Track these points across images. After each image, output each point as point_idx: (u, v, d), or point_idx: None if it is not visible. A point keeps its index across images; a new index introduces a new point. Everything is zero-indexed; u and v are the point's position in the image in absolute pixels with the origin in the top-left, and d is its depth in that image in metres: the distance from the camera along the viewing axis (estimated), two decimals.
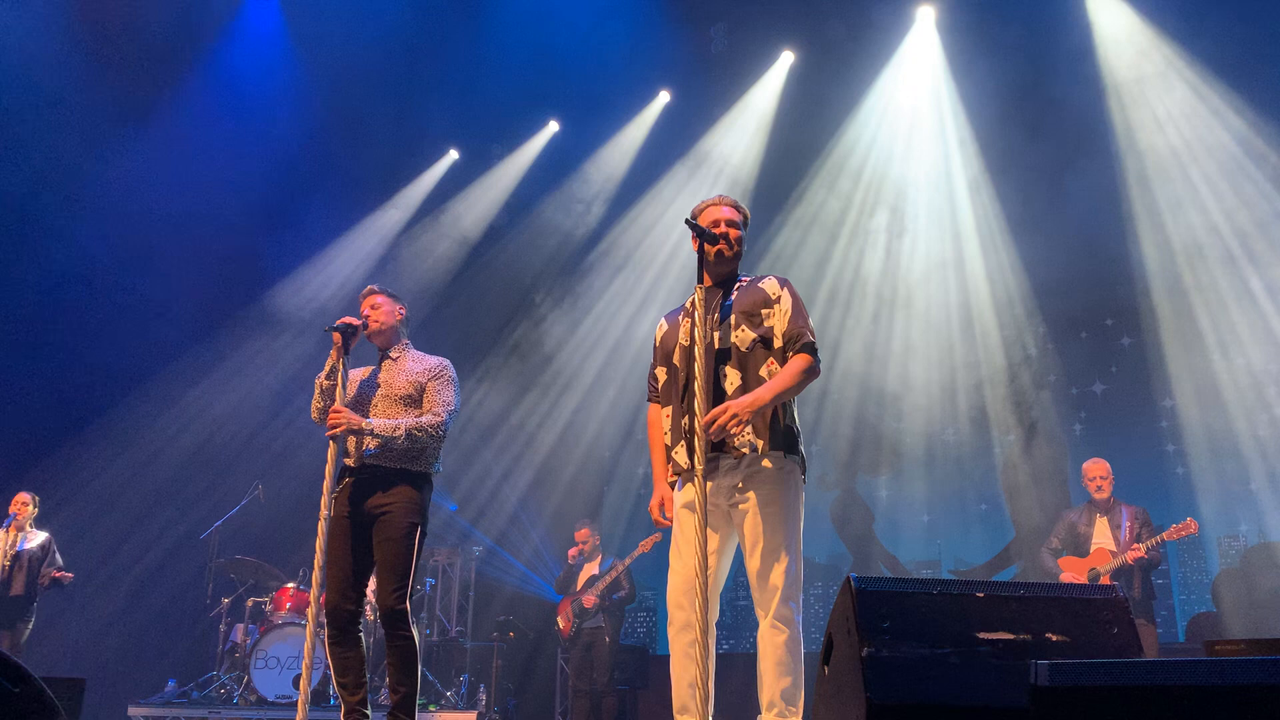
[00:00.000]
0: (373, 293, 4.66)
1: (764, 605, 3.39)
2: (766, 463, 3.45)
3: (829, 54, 9.57)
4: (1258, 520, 7.52)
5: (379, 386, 4.49)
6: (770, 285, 3.67)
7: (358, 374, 4.64)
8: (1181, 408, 8.00)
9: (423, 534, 4.37)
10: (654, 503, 3.70)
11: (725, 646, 7.90)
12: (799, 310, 3.62)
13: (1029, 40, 8.25)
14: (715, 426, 3.31)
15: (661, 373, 3.77)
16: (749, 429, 3.45)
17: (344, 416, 4.26)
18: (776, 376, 3.50)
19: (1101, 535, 6.59)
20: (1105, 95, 8.44)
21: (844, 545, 9.43)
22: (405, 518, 4.28)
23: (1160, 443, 8.10)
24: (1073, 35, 8.44)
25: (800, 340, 3.55)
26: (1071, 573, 6.59)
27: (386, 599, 4.21)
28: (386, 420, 4.32)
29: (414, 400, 4.45)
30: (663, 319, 3.87)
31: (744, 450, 3.45)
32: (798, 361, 3.53)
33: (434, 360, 4.59)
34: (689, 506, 3.53)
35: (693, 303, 3.71)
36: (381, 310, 4.59)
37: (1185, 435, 7.93)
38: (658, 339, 3.84)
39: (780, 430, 3.49)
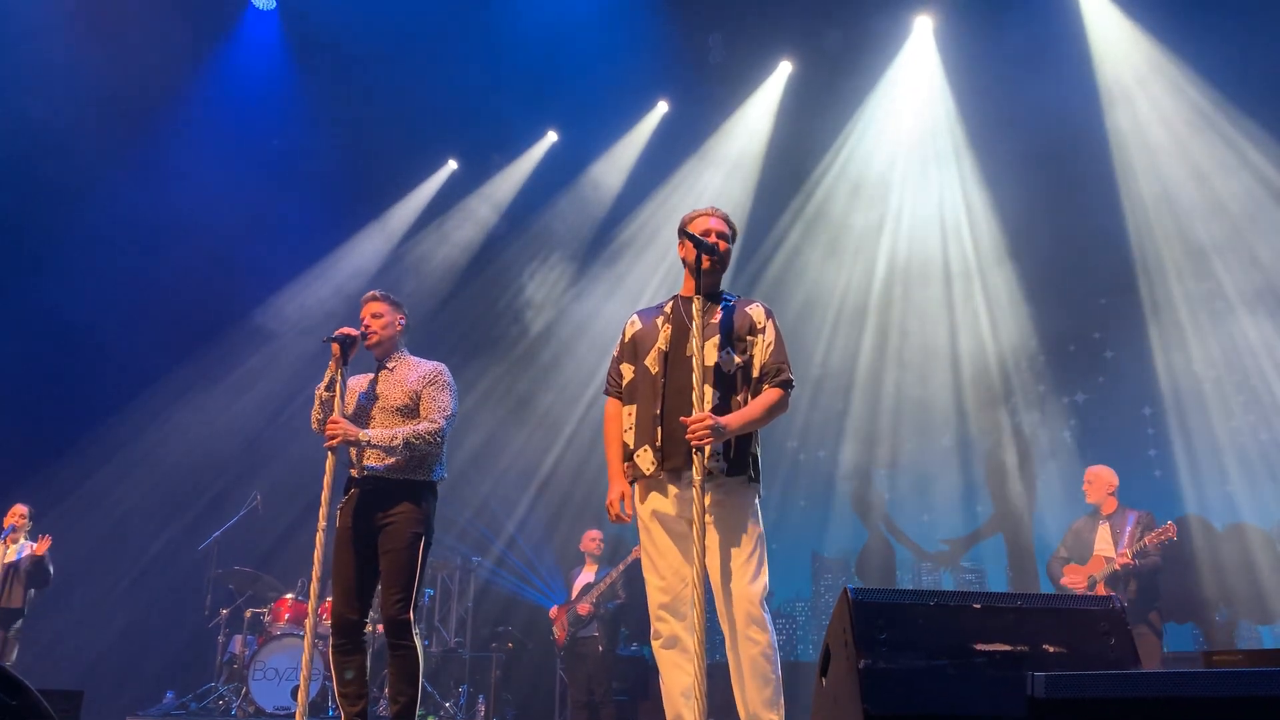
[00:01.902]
0: (374, 299, 4.63)
1: (734, 613, 3.38)
2: (734, 486, 3.48)
3: (827, 64, 9.59)
4: (1235, 518, 7.57)
5: (376, 398, 4.47)
6: (757, 313, 3.69)
7: (356, 384, 4.62)
8: (1161, 415, 8.12)
9: (427, 544, 4.36)
10: (613, 497, 3.65)
11: (715, 657, 7.95)
12: (780, 345, 3.66)
13: (1026, 50, 8.27)
14: (692, 432, 3.32)
15: (628, 370, 3.76)
16: (719, 448, 3.45)
17: (341, 428, 4.25)
18: (748, 407, 3.53)
19: (1103, 542, 6.55)
20: (1101, 107, 8.46)
21: (863, 526, 9.55)
22: (409, 528, 4.28)
23: (1143, 448, 8.15)
24: (1070, 45, 8.46)
25: (779, 375, 3.59)
26: (1072, 579, 6.58)
27: (390, 609, 4.21)
28: (383, 430, 4.31)
29: (410, 411, 4.43)
30: (635, 315, 3.86)
31: (713, 472, 3.44)
32: (771, 395, 3.56)
33: (429, 366, 4.56)
34: (660, 517, 3.53)
35: (674, 308, 3.74)
36: (382, 320, 4.57)
37: (1165, 440, 8.02)
38: (628, 334, 3.83)
39: (747, 458, 3.52)
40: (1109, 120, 8.47)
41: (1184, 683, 1.81)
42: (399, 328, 4.62)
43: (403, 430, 4.30)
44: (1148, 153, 8.32)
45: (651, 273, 10.46)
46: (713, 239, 3.67)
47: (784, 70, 9.99)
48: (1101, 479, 6.74)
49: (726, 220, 3.78)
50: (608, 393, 3.86)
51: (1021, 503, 8.59)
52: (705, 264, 3.59)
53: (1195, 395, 7.88)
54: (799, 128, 9.89)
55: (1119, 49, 8.43)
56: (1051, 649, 2.40)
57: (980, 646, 2.37)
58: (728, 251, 3.73)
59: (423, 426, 4.33)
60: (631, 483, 3.67)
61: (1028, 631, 2.42)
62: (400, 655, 4.21)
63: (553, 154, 10.96)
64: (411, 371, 4.53)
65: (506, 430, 10.69)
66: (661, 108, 10.53)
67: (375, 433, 4.29)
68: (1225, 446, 7.69)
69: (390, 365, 4.57)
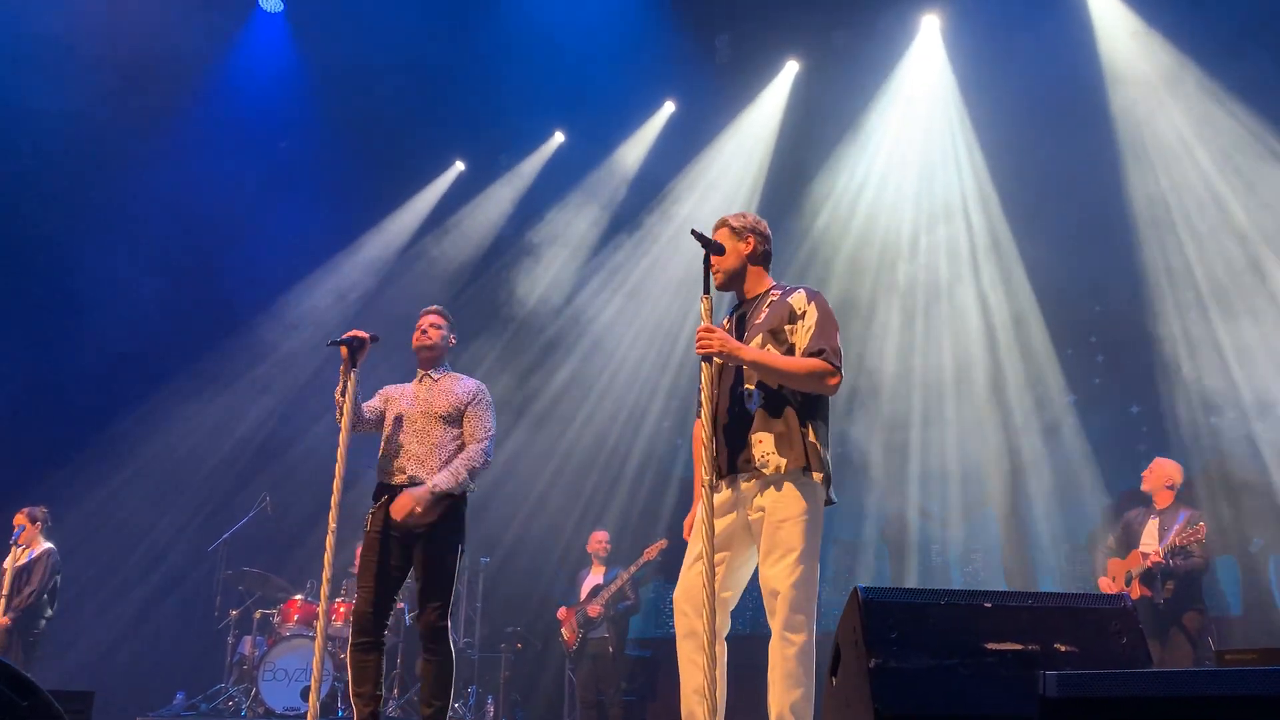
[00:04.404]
0: (436, 312, 4.85)
1: (775, 615, 3.37)
2: (788, 483, 3.43)
3: (834, 63, 9.57)
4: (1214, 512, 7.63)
5: (418, 403, 4.61)
6: (798, 300, 3.62)
7: (397, 390, 4.75)
8: (1149, 413, 8.23)
9: (463, 552, 4.52)
10: (689, 518, 3.74)
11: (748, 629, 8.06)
12: (824, 328, 3.54)
13: (1035, 49, 8.24)
14: (697, 338, 3.42)
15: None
16: (770, 446, 3.43)
17: (411, 500, 4.34)
18: (784, 357, 3.49)
19: (1148, 537, 6.35)
20: (1109, 107, 8.44)
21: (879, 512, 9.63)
22: (448, 537, 4.43)
23: (1134, 443, 8.20)
24: (1079, 44, 8.43)
25: (820, 356, 3.49)
26: (1112, 575, 6.48)
27: (430, 616, 4.35)
28: (447, 474, 4.44)
29: (451, 420, 4.58)
30: (702, 297, 3.82)
31: (765, 470, 3.43)
32: (811, 359, 3.47)
33: (471, 383, 4.75)
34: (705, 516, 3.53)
35: (730, 318, 3.77)
36: (440, 331, 4.77)
37: (1156, 436, 8.08)
38: None
39: (803, 448, 3.45)
40: (1116, 122, 8.44)
41: (1196, 681, 1.80)
42: (452, 342, 4.84)
43: (462, 466, 4.46)
44: (1153, 155, 8.30)
45: (659, 273, 10.45)
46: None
47: (791, 70, 9.97)
48: (1163, 471, 6.52)
49: (725, 227, 3.78)
50: (697, 415, 3.89)
51: (1018, 497, 8.64)
52: (714, 268, 3.63)
53: (1183, 397, 7.93)
54: (806, 127, 9.87)
55: (1128, 48, 8.39)
56: (1063, 648, 2.39)
57: (991, 646, 2.36)
58: (735, 257, 3.72)
59: (474, 452, 4.52)
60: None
61: (1039, 631, 2.41)
62: (436, 662, 4.35)
63: (560, 155, 10.96)
64: (456, 385, 4.70)
65: (513, 431, 10.69)
66: (668, 108, 10.52)
67: (441, 479, 4.42)
68: (1208, 443, 7.71)
69: (435, 375, 4.72)
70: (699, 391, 3.84)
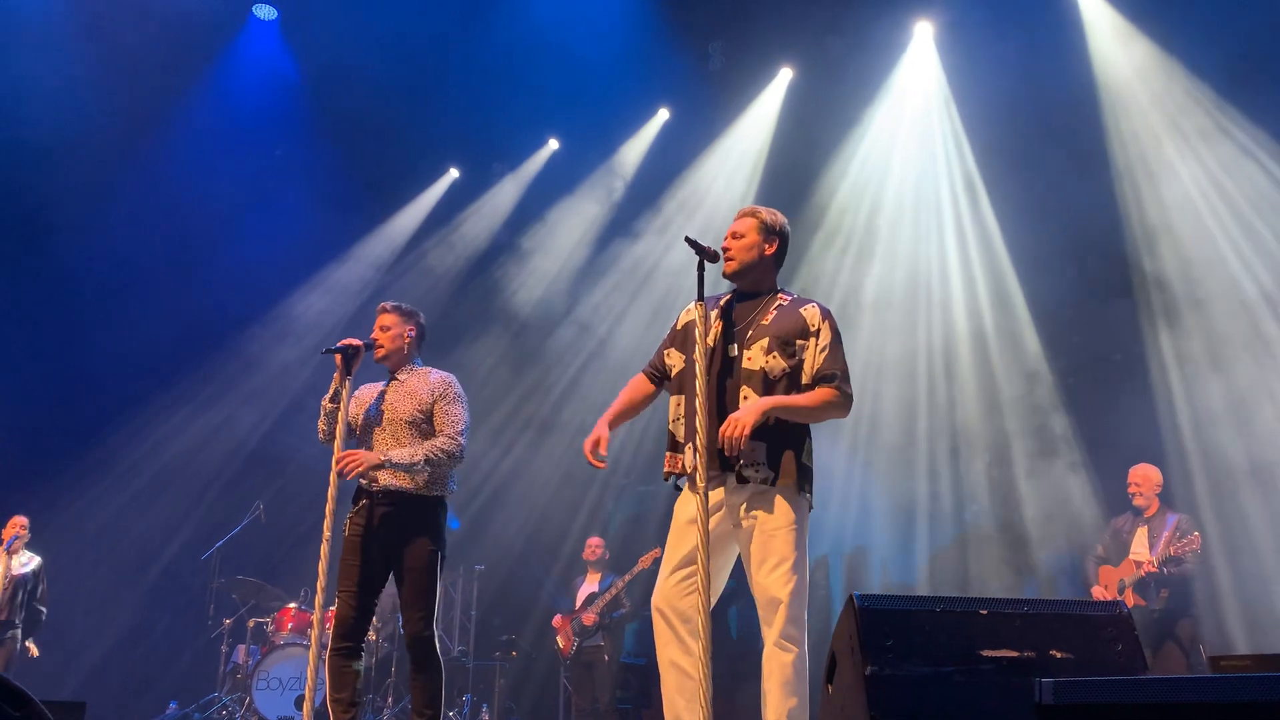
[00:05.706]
0: (384, 311, 4.62)
1: (770, 623, 3.34)
2: (777, 495, 3.41)
3: (827, 70, 9.58)
4: (1199, 524, 7.66)
5: (385, 410, 4.44)
6: (811, 315, 3.55)
7: (366, 393, 4.59)
8: (1142, 424, 8.21)
9: (442, 558, 4.37)
10: (589, 440, 3.60)
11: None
12: (836, 349, 3.51)
13: (1028, 56, 8.26)
14: (729, 444, 3.26)
15: (677, 359, 3.66)
16: (761, 456, 3.39)
17: (359, 457, 4.17)
18: (797, 395, 3.43)
19: (1139, 544, 6.36)
20: (1101, 114, 8.47)
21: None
22: (427, 545, 4.29)
23: (1124, 448, 8.24)
24: (1072, 51, 8.46)
25: (832, 382, 3.45)
26: (1105, 583, 6.48)
27: (414, 626, 4.24)
28: (403, 450, 4.26)
29: (420, 423, 4.39)
30: (694, 304, 3.62)
31: (751, 479, 3.40)
32: (822, 390, 3.44)
33: (437, 378, 4.52)
34: (691, 522, 3.43)
35: (728, 303, 3.66)
36: (390, 333, 4.54)
37: (1149, 442, 8.08)
38: (680, 322, 3.75)
39: (793, 466, 3.42)
40: (1108, 129, 8.47)
41: (1191, 688, 1.80)
42: (408, 339, 4.58)
43: (422, 449, 4.25)
44: (1146, 165, 8.33)
45: (650, 283, 10.45)
46: (727, 240, 3.64)
47: (785, 77, 9.99)
48: (1150, 479, 6.50)
49: (748, 214, 3.69)
50: (645, 372, 3.79)
51: (1011, 504, 8.66)
52: (731, 256, 3.60)
53: (1179, 405, 7.98)
54: (801, 134, 9.88)
55: (1120, 55, 8.42)
56: (1058, 655, 2.39)
57: (987, 653, 2.37)
58: (752, 247, 3.63)
59: (441, 442, 4.30)
60: (678, 478, 3.59)
61: (1034, 637, 2.41)
62: (425, 670, 4.26)
63: (554, 162, 10.97)
64: (422, 384, 4.48)
65: (508, 437, 10.68)
66: (662, 115, 10.54)
67: (396, 453, 4.22)
68: (1197, 465, 7.75)
69: (401, 377, 4.53)
70: (660, 353, 3.76)
